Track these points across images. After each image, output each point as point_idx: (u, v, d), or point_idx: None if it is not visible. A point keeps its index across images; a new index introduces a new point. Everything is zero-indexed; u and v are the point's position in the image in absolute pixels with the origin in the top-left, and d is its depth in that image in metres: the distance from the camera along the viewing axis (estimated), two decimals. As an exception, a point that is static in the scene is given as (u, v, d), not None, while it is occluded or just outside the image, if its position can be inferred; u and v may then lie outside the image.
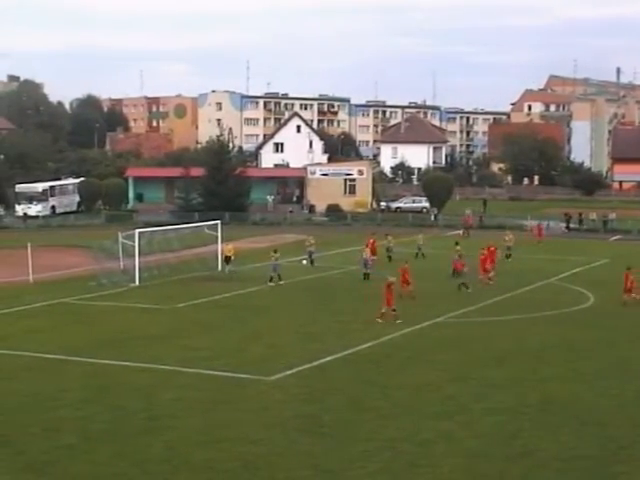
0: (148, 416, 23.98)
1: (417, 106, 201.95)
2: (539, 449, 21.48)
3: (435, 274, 49.17)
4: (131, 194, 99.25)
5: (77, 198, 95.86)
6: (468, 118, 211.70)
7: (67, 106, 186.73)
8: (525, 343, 33.34)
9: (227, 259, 51.27)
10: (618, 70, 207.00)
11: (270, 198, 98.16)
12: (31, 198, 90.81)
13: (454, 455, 21.06)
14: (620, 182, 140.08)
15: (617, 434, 22.69)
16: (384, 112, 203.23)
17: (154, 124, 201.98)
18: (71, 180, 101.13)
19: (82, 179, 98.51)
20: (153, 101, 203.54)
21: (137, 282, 47.23)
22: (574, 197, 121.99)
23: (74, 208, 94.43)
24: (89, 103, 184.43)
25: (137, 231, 49.78)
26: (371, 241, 54.14)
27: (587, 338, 34.38)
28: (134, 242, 48.49)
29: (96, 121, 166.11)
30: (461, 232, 71.57)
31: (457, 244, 51.19)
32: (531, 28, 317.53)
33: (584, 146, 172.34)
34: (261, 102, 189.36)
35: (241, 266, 52.76)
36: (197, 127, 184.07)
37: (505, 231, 63.03)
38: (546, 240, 68.37)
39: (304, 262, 53.48)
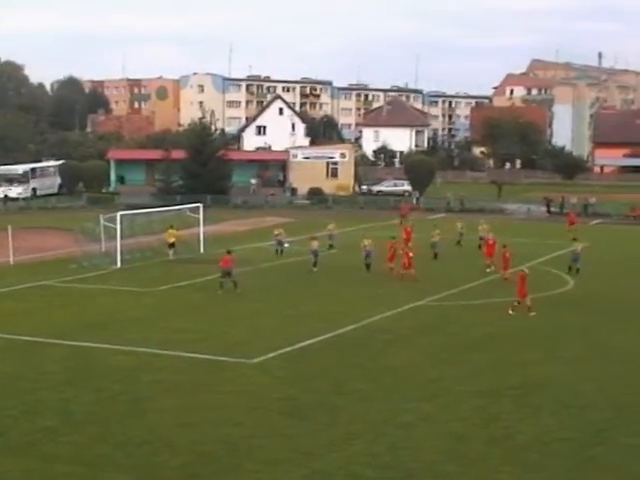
0: (130, 398, 23.97)
1: (399, 89, 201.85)
2: (520, 432, 21.61)
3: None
4: (112, 176, 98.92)
5: (58, 180, 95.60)
6: (450, 102, 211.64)
7: (48, 87, 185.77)
8: (506, 326, 33.46)
9: (171, 245, 50.29)
10: (600, 55, 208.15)
11: (253, 181, 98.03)
12: (11, 180, 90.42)
13: (435, 438, 21.14)
14: (601, 166, 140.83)
15: (597, 417, 22.85)
16: (366, 95, 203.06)
17: (136, 106, 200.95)
18: (52, 162, 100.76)
19: (63, 161, 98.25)
20: (135, 83, 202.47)
21: (119, 264, 47.18)
22: (555, 181, 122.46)
23: (55, 190, 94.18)
24: (70, 85, 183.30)
25: (119, 213, 49.78)
26: (408, 230, 53.64)
27: (567, 321, 34.54)
28: (116, 224, 48.46)
29: (77, 103, 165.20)
30: (398, 222, 66.39)
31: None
32: (514, 12, 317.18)
33: (565, 130, 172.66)
34: (243, 85, 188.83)
35: (222, 249, 52.68)
36: (179, 109, 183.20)
37: (479, 220, 57.76)
38: (577, 227, 63.94)
39: (286, 245, 53.16)
